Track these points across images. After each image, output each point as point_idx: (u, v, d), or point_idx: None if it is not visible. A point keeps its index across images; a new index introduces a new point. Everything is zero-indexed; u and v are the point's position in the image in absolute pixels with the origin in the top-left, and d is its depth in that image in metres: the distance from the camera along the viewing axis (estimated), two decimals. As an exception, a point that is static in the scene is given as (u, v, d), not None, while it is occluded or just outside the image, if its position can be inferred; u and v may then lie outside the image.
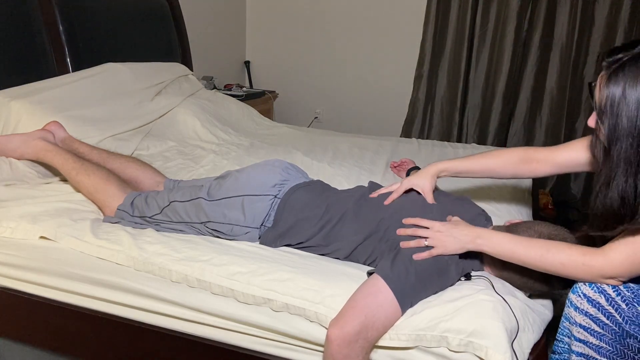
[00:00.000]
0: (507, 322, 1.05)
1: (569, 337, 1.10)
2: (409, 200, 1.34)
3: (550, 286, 1.17)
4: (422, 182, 1.37)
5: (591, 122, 1.04)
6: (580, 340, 1.05)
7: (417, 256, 1.15)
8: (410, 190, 1.38)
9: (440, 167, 1.39)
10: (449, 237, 1.16)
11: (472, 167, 1.39)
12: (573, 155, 1.27)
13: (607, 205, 0.99)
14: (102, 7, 2.34)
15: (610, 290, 1.01)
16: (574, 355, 1.07)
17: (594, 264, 1.01)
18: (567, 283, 1.16)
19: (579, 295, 1.04)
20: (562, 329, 1.12)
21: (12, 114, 1.79)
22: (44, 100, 1.88)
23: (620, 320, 1.01)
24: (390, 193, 1.37)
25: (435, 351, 1.08)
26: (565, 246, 1.06)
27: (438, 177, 1.40)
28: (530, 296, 1.22)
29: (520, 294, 1.18)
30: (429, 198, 1.34)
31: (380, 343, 1.09)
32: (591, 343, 1.04)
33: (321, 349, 1.14)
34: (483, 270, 1.26)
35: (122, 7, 2.48)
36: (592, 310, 1.03)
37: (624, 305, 1.00)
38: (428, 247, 1.16)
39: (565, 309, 1.09)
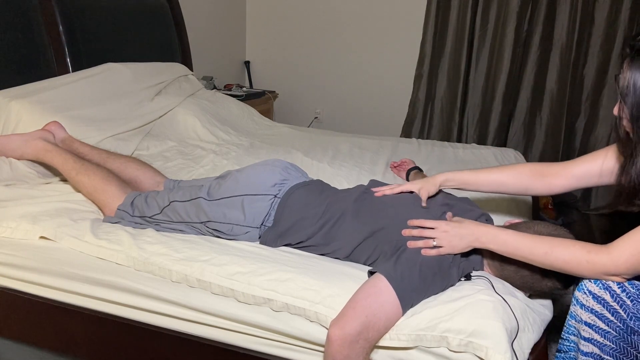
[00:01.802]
0: (507, 322, 1.05)
1: (575, 335, 1.10)
2: (411, 201, 1.35)
3: (551, 286, 1.17)
4: (419, 186, 1.36)
5: (616, 110, 1.06)
6: (587, 339, 1.06)
7: (425, 252, 1.16)
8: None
9: (445, 177, 1.39)
10: (455, 236, 1.17)
11: (479, 179, 1.38)
12: (591, 166, 1.25)
13: (631, 181, 1.01)
14: (102, 7, 2.34)
15: (615, 287, 1.02)
16: (581, 355, 1.07)
17: (598, 261, 1.02)
18: (566, 283, 1.16)
19: (585, 293, 1.05)
20: (567, 328, 1.12)
21: (12, 114, 1.79)
22: (44, 100, 1.88)
23: (625, 316, 1.01)
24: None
25: (435, 351, 1.08)
26: (570, 243, 1.06)
27: (442, 187, 1.40)
28: (530, 296, 1.22)
29: (520, 294, 1.18)
30: (422, 202, 1.33)
31: (381, 343, 1.09)
32: (596, 340, 1.04)
33: (321, 349, 1.14)
34: (483, 270, 1.26)
35: (122, 7, 2.48)
36: (597, 307, 1.03)
37: (628, 302, 1.01)
38: (436, 247, 1.17)
39: (571, 307, 1.09)
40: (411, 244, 1.19)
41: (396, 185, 1.40)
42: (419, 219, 1.24)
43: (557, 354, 1.17)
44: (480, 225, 1.19)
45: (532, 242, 1.09)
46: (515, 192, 1.40)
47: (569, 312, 1.10)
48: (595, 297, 1.03)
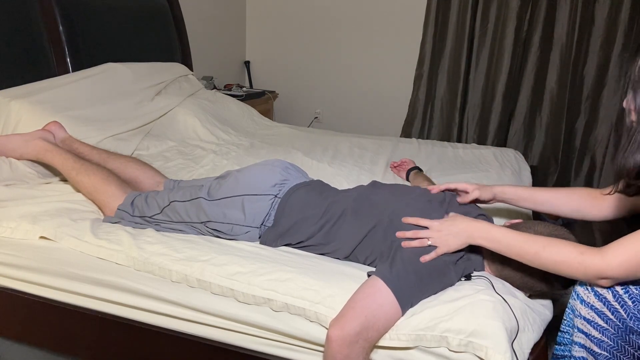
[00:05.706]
0: (507, 322, 1.05)
1: (572, 327, 1.10)
2: (413, 200, 1.35)
3: (550, 286, 1.17)
4: (474, 187, 1.36)
5: (625, 103, 1.04)
6: (581, 332, 1.06)
7: (423, 258, 1.15)
8: (416, 188, 1.40)
9: (502, 188, 1.39)
10: (449, 234, 1.16)
11: (534, 197, 1.38)
12: None
13: (631, 162, 0.99)
14: (102, 7, 2.34)
15: (618, 287, 1.01)
16: (575, 346, 1.07)
17: (590, 263, 1.00)
18: (567, 283, 1.16)
19: (586, 288, 1.04)
20: (566, 320, 1.12)
21: (12, 114, 1.79)
22: (44, 100, 1.88)
23: (625, 316, 1.01)
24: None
25: (435, 351, 1.08)
26: (563, 244, 1.05)
27: (496, 196, 1.38)
28: (530, 296, 1.22)
29: (520, 294, 1.18)
30: (461, 197, 1.35)
31: (380, 343, 1.09)
32: (592, 336, 1.04)
33: (321, 349, 1.14)
34: (484, 270, 1.26)
35: (122, 7, 2.48)
36: (598, 304, 1.03)
37: (630, 302, 1.01)
38: (432, 247, 1.17)
39: (571, 300, 1.09)
40: (406, 245, 1.19)
41: (449, 183, 1.40)
42: (414, 217, 1.24)
43: (556, 346, 1.17)
44: (473, 221, 1.19)
45: (525, 241, 1.08)
46: (568, 214, 1.38)
47: (568, 304, 1.10)
48: (597, 294, 1.03)
